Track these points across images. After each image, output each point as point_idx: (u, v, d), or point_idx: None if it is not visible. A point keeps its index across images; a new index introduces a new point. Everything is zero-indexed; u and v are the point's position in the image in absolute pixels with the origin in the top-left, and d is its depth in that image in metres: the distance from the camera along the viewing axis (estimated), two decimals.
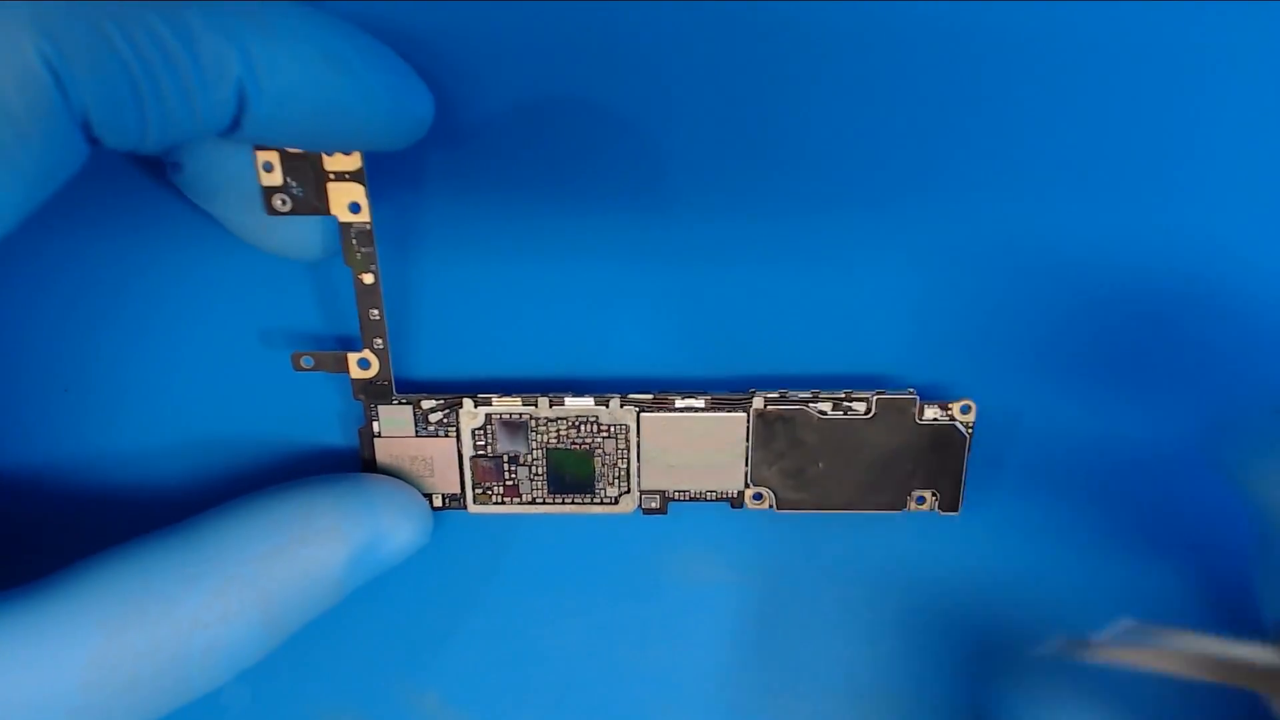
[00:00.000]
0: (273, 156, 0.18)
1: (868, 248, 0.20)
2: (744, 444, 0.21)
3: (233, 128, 0.16)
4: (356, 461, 0.21)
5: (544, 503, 0.21)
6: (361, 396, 0.20)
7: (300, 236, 0.19)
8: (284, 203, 0.19)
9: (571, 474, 0.21)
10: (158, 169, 0.19)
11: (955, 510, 0.21)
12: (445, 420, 0.21)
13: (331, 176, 0.19)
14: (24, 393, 0.21)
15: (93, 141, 0.15)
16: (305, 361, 0.20)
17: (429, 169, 0.20)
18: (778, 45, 0.19)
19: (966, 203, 0.20)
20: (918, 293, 0.20)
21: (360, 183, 0.19)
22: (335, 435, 0.21)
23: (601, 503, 0.21)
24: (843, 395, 0.20)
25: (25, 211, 0.15)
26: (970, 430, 0.20)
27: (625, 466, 0.21)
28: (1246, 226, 0.20)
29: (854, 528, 0.22)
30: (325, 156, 0.18)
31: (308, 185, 0.19)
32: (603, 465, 0.21)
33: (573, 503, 0.21)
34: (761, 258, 0.20)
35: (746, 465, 0.21)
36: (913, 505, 0.21)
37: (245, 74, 0.15)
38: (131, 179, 0.20)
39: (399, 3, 0.19)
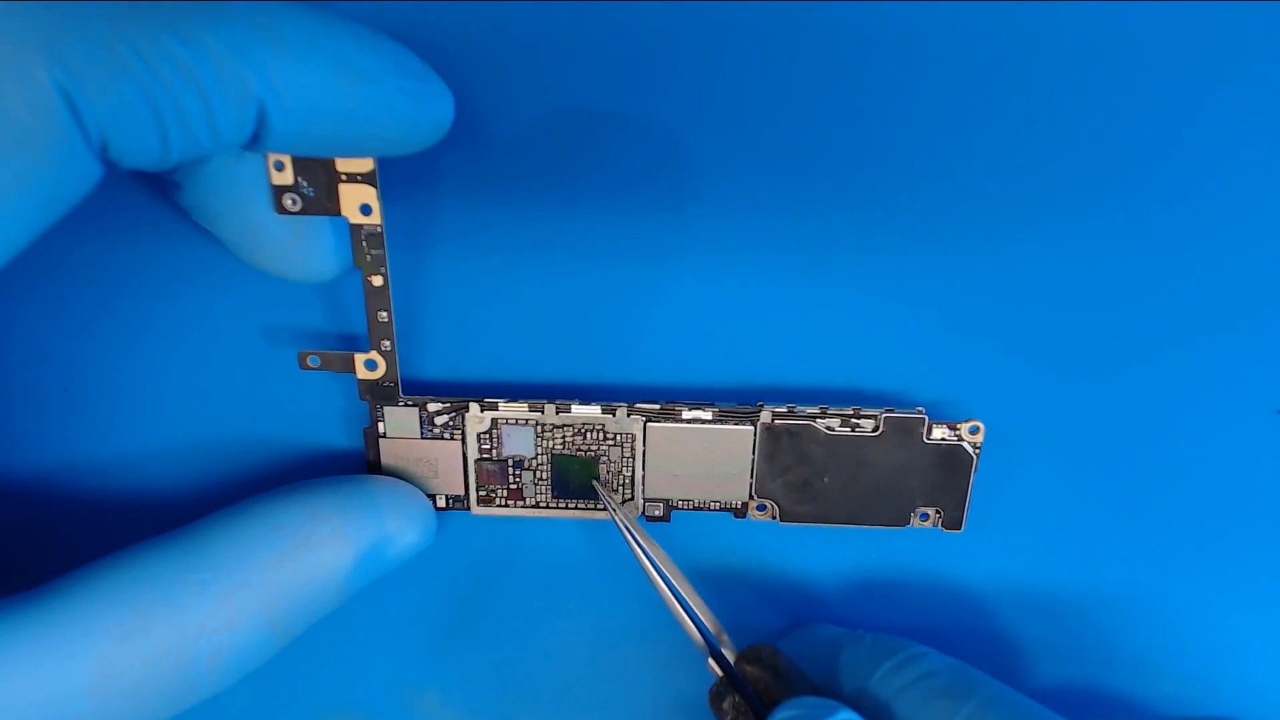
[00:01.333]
0: (284, 157, 0.18)
1: (879, 262, 0.20)
2: (750, 456, 0.21)
3: (252, 143, 0.16)
4: (360, 462, 0.21)
5: (547, 507, 0.21)
6: (368, 397, 0.20)
7: (300, 263, 0.19)
8: (294, 202, 0.19)
9: (576, 480, 0.21)
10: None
11: (959, 528, 0.21)
12: (451, 423, 0.21)
13: (343, 178, 0.18)
14: (24, 394, 0.20)
15: (109, 164, 0.15)
16: (312, 360, 0.20)
17: (440, 172, 0.20)
18: (793, 58, 0.18)
19: (981, 220, 0.20)
20: (928, 308, 0.20)
21: (372, 185, 0.18)
22: (339, 436, 0.21)
23: (605, 508, 0.21)
24: (851, 412, 0.20)
25: (37, 231, 0.15)
26: (978, 451, 0.20)
27: (630, 475, 0.21)
28: (1258, 245, 0.20)
29: (856, 542, 0.22)
30: (338, 158, 0.18)
31: (319, 186, 0.18)
32: (607, 472, 0.21)
33: (576, 508, 0.21)
34: (773, 269, 0.20)
35: (752, 478, 0.21)
36: (916, 522, 0.21)
37: (265, 92, 0.15)
38: (133, 180, 0.19)
39: (417, 4, 0.18)
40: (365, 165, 0.18)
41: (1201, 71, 0.18)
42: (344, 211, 0.19)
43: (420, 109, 0.17)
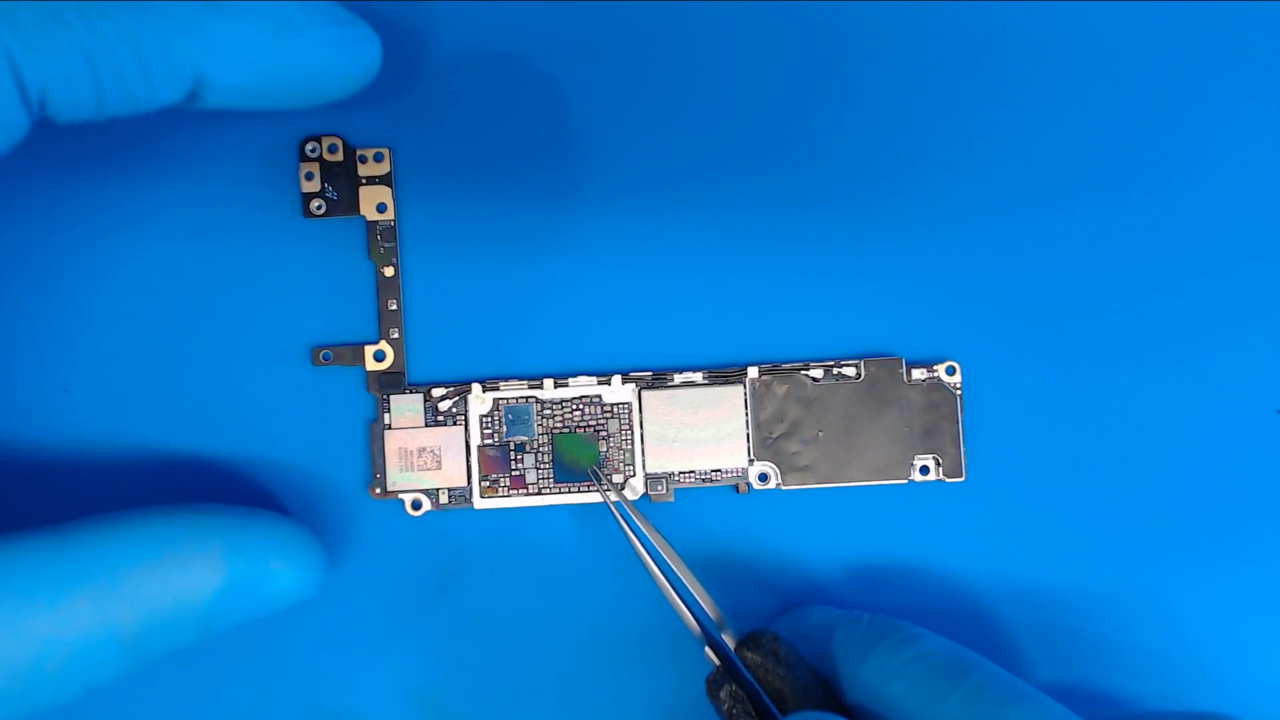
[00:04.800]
0: (313, 167, 0.21)
1: (854, 240, 0.22)
2: (743, 415, 0.21)
3: (189, 100, 0.17)
4: (364, 462, 0.21)
5: (551, 493, 0.21)
6: (375, 389, 0.21)
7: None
8: (319, 207, 0.21)
9: (579, 459, 0.21)
10: (164, 169, 0.21)
11: (960, 476, 0.21)
12: (454, 409, 0.21)
13: (364, 181, 0.21)
14: (22, 391, 0.21)
15: (43, 119, 0.16)
16: (325, 356, 0.21)
17: (442, 172, 0.22)
18: (767, 45, 0.22)
19: (979, 212, 0.22)
20: (902, 283, 0.22)
21: (388, 185, 0.21)
22: (341, 444, 0.22)
23: (608, 490, 0.21)
24: (832, 363, 0.21)
25: None
26: (958, 391, 0.21)
27: (630, 448, 0.21)
28: (1260, 242, 0.22)
29: (862, 502, 0.22)
30: (359, 164, 0.21)
31: (342, 190, 0.21)
32: (608, 447, 0.21)
33: (578, 491, 0.21)
34: (756, 257, 0.22)
35: (748, 440, 0.21)
36: (917, 475, 0.21)
37: (202, 50, 0.16)
38: (138, 179, 0.21)
39: (413, 4, 0.21)
40: (383, 168, 0.21)
41: (1209, 66, 0.21)
42: (363, 210, 0.21)
43: (348, 55, 0.18)
